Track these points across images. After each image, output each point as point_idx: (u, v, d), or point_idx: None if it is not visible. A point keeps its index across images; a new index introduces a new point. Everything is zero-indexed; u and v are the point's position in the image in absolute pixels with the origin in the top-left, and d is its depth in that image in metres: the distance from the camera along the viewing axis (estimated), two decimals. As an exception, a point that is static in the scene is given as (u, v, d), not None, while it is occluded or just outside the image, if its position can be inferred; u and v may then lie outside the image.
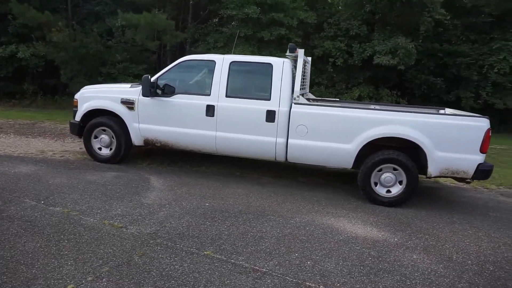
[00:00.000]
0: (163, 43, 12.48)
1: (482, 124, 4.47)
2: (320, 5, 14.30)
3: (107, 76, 12.63)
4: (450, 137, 4.52)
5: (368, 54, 12.56)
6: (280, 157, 5.13)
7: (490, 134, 4.48)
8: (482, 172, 4.54)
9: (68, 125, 6.46)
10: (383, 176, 4.79)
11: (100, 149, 5.83)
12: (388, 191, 4.82)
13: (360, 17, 13.32)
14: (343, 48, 13.04)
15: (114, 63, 12.70)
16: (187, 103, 5.29)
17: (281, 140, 5.02)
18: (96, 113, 5.74)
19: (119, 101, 5.56)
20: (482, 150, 4.47)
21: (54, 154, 6.21)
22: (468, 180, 4.80)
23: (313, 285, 2.78)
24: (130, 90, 5.60)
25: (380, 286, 2.83)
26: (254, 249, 3.30)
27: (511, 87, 13.07)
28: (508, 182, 6.44)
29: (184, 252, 3.15)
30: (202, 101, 5.24)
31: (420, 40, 12.47)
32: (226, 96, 5.15)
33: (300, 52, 5.13)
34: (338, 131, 4.83)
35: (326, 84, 13.75)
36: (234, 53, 11.53)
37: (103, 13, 13.64)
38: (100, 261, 2.90)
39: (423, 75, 13.53)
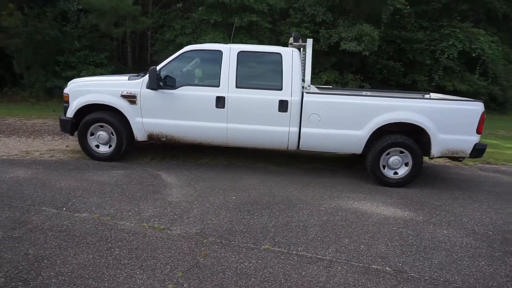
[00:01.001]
0: (128, 29, 11.72)
1: (478, 107, 4.93)
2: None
3: (65, 65, 11.63)
4: (451, 120, 4.93)
5: (334, 41, 12.96)
6: (293, 146, 5.22)
7: (484, 117, 4.97)
8: (478, 151, 5.04)
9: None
10: (391, 159, 5.11)
11: (97, 146, 5.45)
12: (395, 173, 5.16)
13: (325, 4, 13.62)
14: (309, 34, 13.28)
15: (72, 51, 11.69)
16: (195, 95, 5.12)
17: (294, 129, 5.10)
18: (90, 108, 5.33)
19: (119, 95, 5.21)
20: (478, 131, 4.95)
21: (41, 154, 5.68)
22: (460, 158, 5.31)
23: (380, 267, 2.96)
24: (130, 83, 5.26)
25: (435, 262, 3.09)
26: (306, 239, 3.39)
27: (459, 71, 14.36)
28: (480, 159, 7.18)
29: (244, 249, 3.15)
30: (211, 93, 5.10)
31: (383, 28, 13.14)
32: (236, 87, 5.07)
33: (309, 41, 5.19)
34: (350, 118, 5.02)
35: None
36: (205, 41, 11.24)
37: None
38: (168, 267, 2.80)
39: (383, 60, 14.33)
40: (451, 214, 4.21)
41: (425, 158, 5.29)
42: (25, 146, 6.14)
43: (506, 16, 16.15)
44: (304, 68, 5.17)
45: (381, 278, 2.81)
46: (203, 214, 3.81)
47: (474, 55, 14.00)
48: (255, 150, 6.36)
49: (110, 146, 5.44)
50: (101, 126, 5.36)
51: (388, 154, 5.12)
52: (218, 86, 5.10)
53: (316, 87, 6.04)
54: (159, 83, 5.05)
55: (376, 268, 2.95)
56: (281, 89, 5.05)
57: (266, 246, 3.22)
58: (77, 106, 5.28)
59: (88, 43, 11.88)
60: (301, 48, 5.53)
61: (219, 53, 5.17)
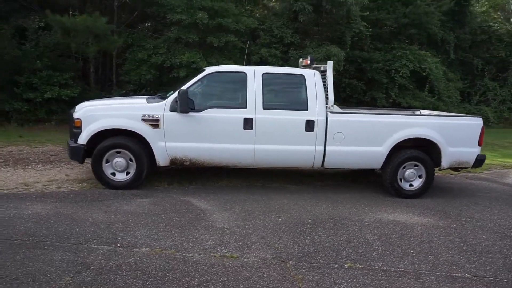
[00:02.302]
0: (102, 49, 11.09)
1: (478, 122, 5.53)
2: (255, 13, 14.76)
3: (26, 86, 10.62)
4: (457, 134, 5.45)
5: (304, 61, 13.55)
6: (318, 164, 5.36)
7: (483, 130, 5.57)
8: (479, 161, 5.61)
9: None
10: (406, 172, 5.47)
11: (113, 174, 5.07)
12: (411, 185, 5.53)
13: (292, 26, 14.25)
14: (279, 55, 13.76)
15: (33, 70, 10.74)
16: (223, 117, 5.05)
17: (320, 148, 5.25)
18: (102, 134, 4.97)
19: (140, 119, 4.94)
20: (479, 143, 5.54)
21: (45, 186, 5.12)
22: (459, 169, 5.87)
23: (460, 274, 3.16)
24: (151, 106, 5.03)
25: (500, 264, 3.38)
26: (377, 253, 3.50)
27: (412, 88, 15.81)
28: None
29: (330, 269, 3.16)
30: (238, 114, 5.07)
31: (348, 49, 14.08)
32: (263, 108, 5.11)
33: (329, 63, 5.45)
34: (372, 135, 5.31)
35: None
36: (182, 61, 11.05)
37: (6, 11, 11.35)
38: (275, 295, 2.72)
39: (347, 79, 15.27)
40: (476, 220, 4.62)
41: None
42: (19, 177, 5.47)
43: (443, 40, 18.29)
44: (327, 88, 5.38)
45: (469, 285, 3.00)
46: (264, 238, 3.74)
47: (424, 74, 15.54)
48: (265, 169, 6.39)
49: (128, 173, 5.10)
50: (118, 152, 5.02)
51: (404, 167, 5.48)
52: (245, 107, 5.09)
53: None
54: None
55: (458, 275, 3.15)
56: (306, 109, 5.19)
57: (348, 264, 3.26)
58: (92, 131, 4.89)
59: (50, 63, 11.01)
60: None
61: (243, 75, 5.19)
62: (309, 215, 4.50)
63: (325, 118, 5.21)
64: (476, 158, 5.55)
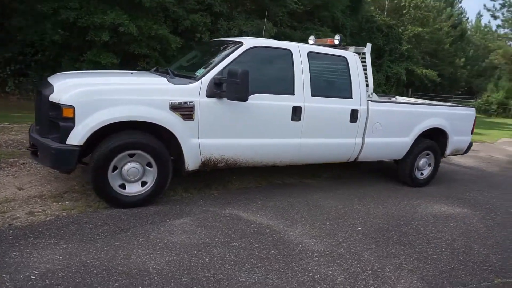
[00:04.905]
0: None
1: (473, 112, 5.96)
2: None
3: None
4: (460, 124, 5.76)
5: (235, 34, 12.54)
6: (353, 158, 4.88)
7: (476, 120, 6.04)
8: (468, 148, 6.11)
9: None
10: (421, 162, 5.54)
11: (122, 186, 3.49)
12: (421, 174, 5.64)
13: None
14: (209, 24, 12.38)
15: None
16: (271, 105, 4.00)
17: (359, 140, 4.77)
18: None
19: (167, 107, 3.46)
20: (472, 132, 6.00)
21: (31, 212, 3.16)
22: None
23: None
24: (182, 89, 3.56)
25: None
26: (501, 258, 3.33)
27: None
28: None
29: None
30: (286, 102, 4.11)
31: (279, 25, 13.63)
32: (312, 95, 4.27)
33: (368, 46, 4.90)
34: (403, 126, 5.11)
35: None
36: (102, 21, 8.73)
37: None
38: None
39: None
40: (494, 206, 4.94)
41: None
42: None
43: (343, 25, 19.75)
44: (366, 74, 4.85)
45: None
46: (381, 258, 3.13)
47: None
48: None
49: (143, 184, 3.59)
50: (131, 155, 3.45)
51: (419, 157, 5.52)
52: (293, 93, 4.15)
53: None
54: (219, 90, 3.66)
55: None
56: (351, 97, 4.59)
57: (498, 280, 2.98)
58: (97, 125, 3.19)
59: None
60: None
61: (288, 52, 4.19)
62: (376, 218, 4.05)
63: (366, 108, 4.73)
64: (468, 146, 6.03)
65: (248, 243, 3.13)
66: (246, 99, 3.55)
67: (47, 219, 3.14)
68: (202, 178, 4.63)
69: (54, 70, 9.78)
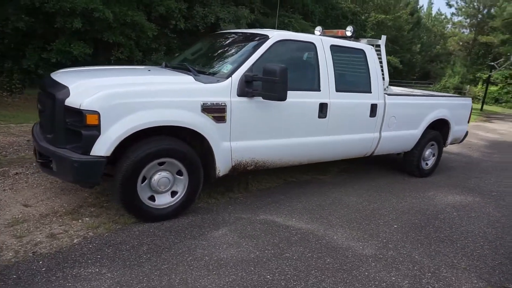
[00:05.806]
0: None
1: (470, 102, 6.13)
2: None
3: None
4: (459, 113, 5.91)
5: (211, 21, 12.00)
6: (370, 152, 4.83)
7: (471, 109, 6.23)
8: (465, 137, 6.31)
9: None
10: (426, 153, 5.63)
11: (152, 198, 3.14)
12: (426, 164, 5.74)
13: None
14: (184, 10, 11.72)
15: None
16: (299, 103, 3.78)
17: (377, 134, 4.71)
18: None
19: (199, 109, 3.13)
20: (468, 121, 6.19)
21: (56, 234, 2.74)
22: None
23: None
24: (212, 88, 3.23)
25: None
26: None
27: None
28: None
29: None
30: (313, 99, 3.91)
31: (256, 12, 13.20)
32: (336, 90, 4.10)
33: (383, 38, 4.80)
34: (414, 118, 5.12)
35: (165, 50, 12.02)
36: (73, 5, 7.95)
37: None
38: None
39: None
40: (498, 194, 5.16)
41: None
42: None
43: (312, 12, 19.71)
44: (382, 67, 4.76)
45: None
46: (422, 252, 3.09)
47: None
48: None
49: (173, 194, 3.25)
50: (160, 164, 3.10)
51: (425, 148, 5.60)
52: (319, 90, 3.96)
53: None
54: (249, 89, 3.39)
55: None
56: (370, 92, 4.49)
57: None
58: (125, 132, 2.79)
59: None
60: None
61: (312, 46, 3.97)
62: (404, 214, 4.04)
63: (384, 102, 4.66)
64: (465, 135, 6.23)
65: (300, 253, 2.95)
66: (285, 99, 3.30)
67: (74, 241, 2.74)
68: (220, 181, 4.34)
69: (15, 60, 8.81)
